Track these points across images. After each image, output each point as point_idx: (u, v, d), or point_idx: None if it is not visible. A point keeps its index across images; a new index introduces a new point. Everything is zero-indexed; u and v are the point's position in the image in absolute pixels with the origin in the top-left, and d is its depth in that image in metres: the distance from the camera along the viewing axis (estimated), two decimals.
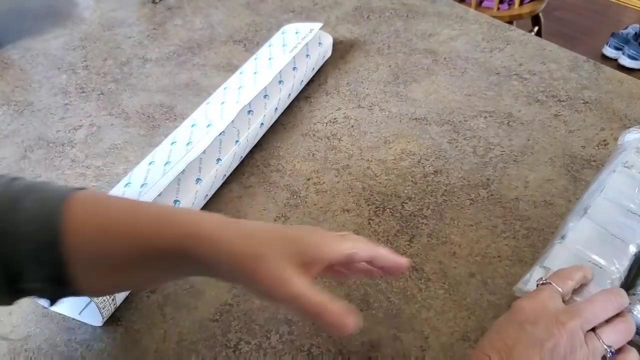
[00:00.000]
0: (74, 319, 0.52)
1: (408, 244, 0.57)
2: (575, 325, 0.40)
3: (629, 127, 0.62)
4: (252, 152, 0.69)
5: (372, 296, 0.53)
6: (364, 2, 0.98)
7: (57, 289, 0.38)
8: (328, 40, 0.82)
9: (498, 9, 1.80)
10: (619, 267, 0.47)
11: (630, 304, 0.47)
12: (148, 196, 0.55)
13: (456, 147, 0.67)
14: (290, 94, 0.74)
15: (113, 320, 0.52)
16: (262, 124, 0.69)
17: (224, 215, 0.38)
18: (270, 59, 0.74)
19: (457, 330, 0.50)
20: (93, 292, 0.43)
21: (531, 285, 0.47)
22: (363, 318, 0.51)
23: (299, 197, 0.63)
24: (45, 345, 0.51)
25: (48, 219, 0.36)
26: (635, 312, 0.46)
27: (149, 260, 0.37)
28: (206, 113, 0.67)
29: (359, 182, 0.64)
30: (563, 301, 0.43)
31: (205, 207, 0.62)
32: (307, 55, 0.77)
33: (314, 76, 0.81)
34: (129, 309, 0.53)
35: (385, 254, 0.41)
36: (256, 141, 0.70)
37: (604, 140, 0.66)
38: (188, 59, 0.88)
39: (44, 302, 0.45)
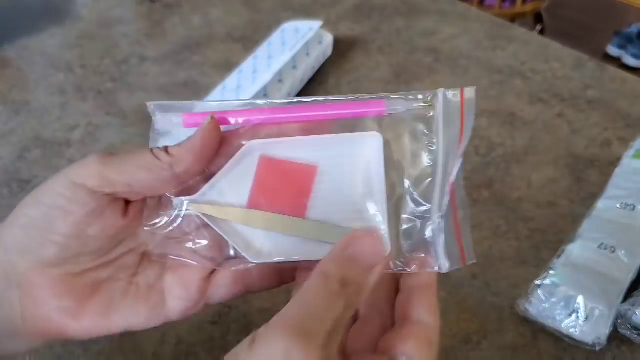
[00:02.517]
0: None
1: None
2: None
3: (632, 127, 0.62)
4: None
5: None
6: (365, 0, 0.97)
7: None
8: (328, 39, 0.81)
9: (500, 7, 1.79)
10: None
11: (634, 305, 0.46)
12: None
13: None
14: (290, 93, 0.74)
15: None
16: None
17: None
18: (269, 57, 0.73)
19: (459, 332, 0.49)
20: None
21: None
22: None
23: None
24: (42, 347, 0.50)
25: None
26: (639, 314, 0.45)
27: None
28: None
29: None
30: None
31: None
32: (307, 54, 0.76)
33: (314, 75, 0.80)
34: None
35: None
36: None
37: (608, 140, 0.65)
38: (186, 58, 0.87)
39: None
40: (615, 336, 0.47)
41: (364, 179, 0.30)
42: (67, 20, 0.99)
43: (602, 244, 0.50)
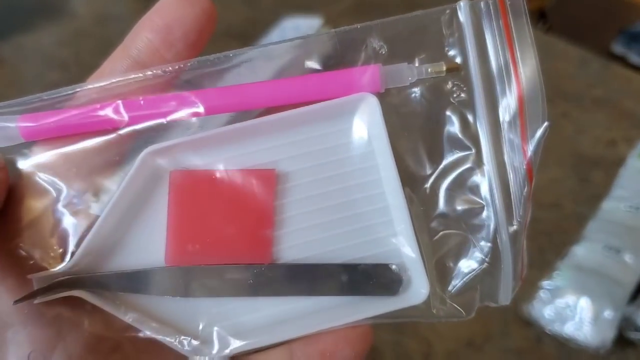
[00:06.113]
0: None
1: None
2: None
3: (638, 126, 0.61)
4: None
5: None
6: None
7: None
8: None
9: None
10: None
11: (639, 308, 0.46)
12: None
13: None
14: None
15: None
16: None
17: None
18: None
19: (461, 335, 0.48)
20: None
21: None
22: None
23: None
24: None
25: None
26: None
27: None
28: None
29: None
30: None
31: None
32: None
33: None
34: None
35: None
36: None
37: (613, 140, 0.64)
38: None
39: None
40: (620, 339, 0.46)
41: (357, 171, 0.19)
42: (62, 17, 0.98)
43: (607, 245, 0.50)
